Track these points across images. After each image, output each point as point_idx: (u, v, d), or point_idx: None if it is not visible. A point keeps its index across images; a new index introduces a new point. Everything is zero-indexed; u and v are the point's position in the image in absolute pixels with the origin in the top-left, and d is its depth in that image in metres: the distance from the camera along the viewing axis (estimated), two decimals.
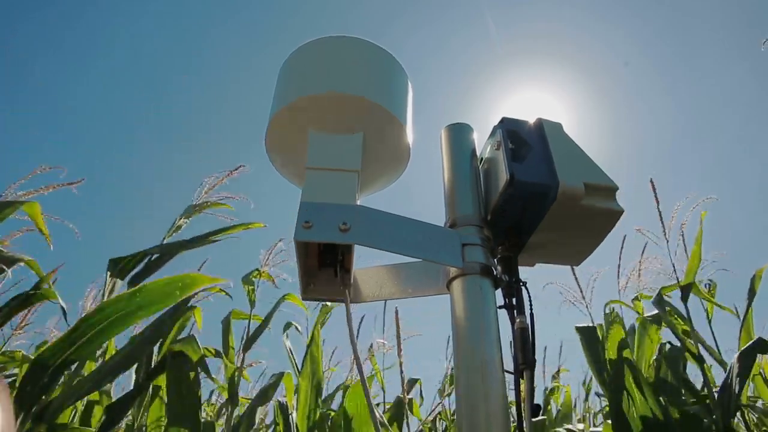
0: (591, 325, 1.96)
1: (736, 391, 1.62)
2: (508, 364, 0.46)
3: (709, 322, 2.02)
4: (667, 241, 2.03)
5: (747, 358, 1.66)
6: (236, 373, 1.83)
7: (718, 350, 1.94)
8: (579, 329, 1.94)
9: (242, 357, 1.90)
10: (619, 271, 2.15)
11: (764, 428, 1.84)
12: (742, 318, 1.96)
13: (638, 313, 2.13)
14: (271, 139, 0.52)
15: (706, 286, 2.13)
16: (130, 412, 1.82)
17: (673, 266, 2.00)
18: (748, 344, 1.72)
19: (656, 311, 2.01)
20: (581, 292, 2.09)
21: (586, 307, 2.08)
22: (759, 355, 2.05)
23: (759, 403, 2.01)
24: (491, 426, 0.40)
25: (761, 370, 2.07)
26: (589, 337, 1.89)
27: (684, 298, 1.95)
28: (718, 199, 2.03)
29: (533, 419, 0.44)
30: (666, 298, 2.05)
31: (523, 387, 0.45)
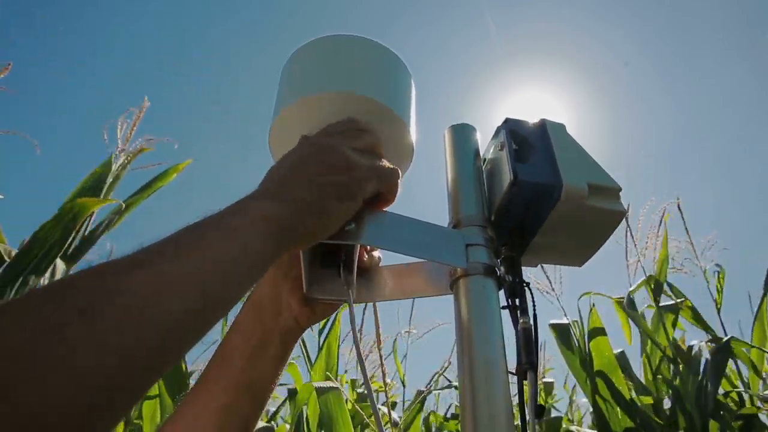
0: (565, 321, 1.91)
1: (710, 388, 1.59)
2: (512, 365, 0.46)
3: (719, 311, 1.96)
4: (636, 245, 2.04)
5: (720, 356, 1.62)
6: None
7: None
8: (553, 326, 1.89)
9: None
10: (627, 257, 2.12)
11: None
12: (756, 310, 1.87)
13: (617, 310, 2.09)
14: (275, 139, 0.52)
15: (714, 273, 2.06)
16: None
17: (643, 268, 2.00)
18: (724, 340, 1.69)
19: (672, 301, 1.97)
20: (550, 283, 2.05)
21: (557, 299, 2.05)
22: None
23: None
24: (495, 426, 0.40)
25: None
26: (564, 335, 1.85)
27: (656, 300, 1.92)
28: (679, 199, 2.02)
29: (537, 420, 0.44)
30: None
31: (526, 387, 0.45)
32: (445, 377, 2.26)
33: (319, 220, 0.38)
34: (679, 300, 1.96)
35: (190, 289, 0.28)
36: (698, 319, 1.94)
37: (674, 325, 1.92)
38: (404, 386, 2.14)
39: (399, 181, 0.46)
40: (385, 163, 0.46)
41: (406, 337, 2.22)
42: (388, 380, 1.71)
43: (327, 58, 0.51)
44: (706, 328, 1.93)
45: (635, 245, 2.06)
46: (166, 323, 0.27)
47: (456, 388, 2.31)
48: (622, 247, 2.11)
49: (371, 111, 0.48)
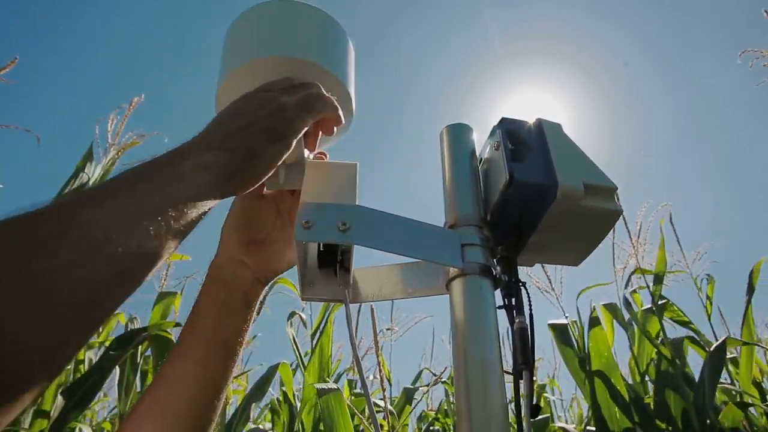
0: (564, 321, 1.91)
1: (708, 391, 1.61)
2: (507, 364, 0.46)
3: (709, 318, 2.01)
4: (634, 247, 2.04)
5: (717, 356, 1.64)
6: None
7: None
8: (552, 326, 1.89)
9: None
10: (614, 260, 2.13)
11: (754, 428, 1.83)
12: (742, 315, 1.93)
13: (638, 306, 2.09)
14: (221, 103, 0.53)
15: (704, 281, 2.10)
16: (115, 404, 1.82)
17: (643, 273, 2.00)
18: (716, 343, 1.70)
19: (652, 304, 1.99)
20: (550, 283, 2.05)
21: (557, 298, 2.05)
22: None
23: None
24: (491, 427, 0.40)
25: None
26: (563, 335, 1.85)
27: (654, 302, 1.94)
28: (671, 204, 2.04)
29: (532, 419, 0.44)
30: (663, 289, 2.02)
31: (522, 387, 0.45)
32: (432, 372, 2.26)
33: (254, 164, 0.42)
34: (663, 301, 1.98)
35: (141, 228, 0.31)
36: (682, 321, 1.95)
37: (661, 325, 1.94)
38: (390, 384, 2.14)
39: (333, 101, 0.48)
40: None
41: (387, 335, 2.23)
42: (377, 378, 1.71)
43: (266, 24, 0.52)
44: (694, 328, 1.95)
45: (633, 246, 2.07)
46: (118, 259, 0.29)
47: (443, 383, 2.32)
48: (620, 250, 2.11)
49: (309, 72, 0.50)
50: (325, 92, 0.48)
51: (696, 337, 1.95)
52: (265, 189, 0.55)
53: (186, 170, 0.36)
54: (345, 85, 0.53)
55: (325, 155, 0.56)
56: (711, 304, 2.02)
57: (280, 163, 0.44)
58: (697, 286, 2.05)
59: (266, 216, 0.55)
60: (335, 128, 0.52)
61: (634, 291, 2.12)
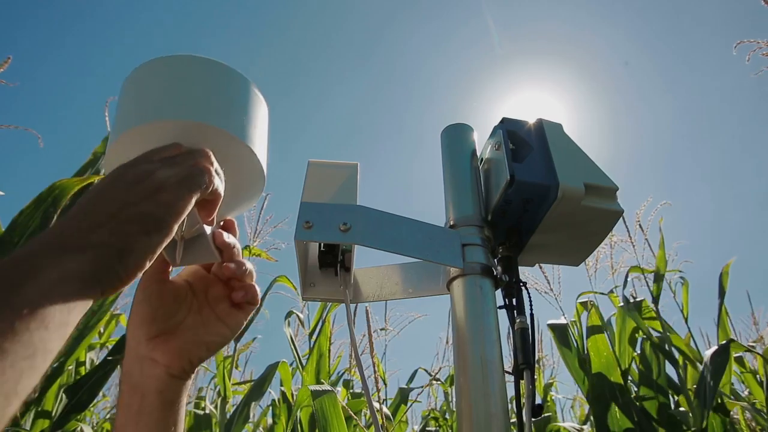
0: (563, 321, 1.92)
1: (710, 391, 1.61)
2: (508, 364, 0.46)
3: (686, 320, 2.01)
4: (633, 245, 2.04)
5: (720, 357, 1.65)
6: (224, 364, 1.79)
7: (697, 348, 1.94)
8: (551, 327, 1.89)
9: (234, 346, 1.88)
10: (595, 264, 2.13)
11: (759, 427, 1.83)
12: (716, 318, 1.94)
13: (615, 305, 2.09)
14: (110, 167, 0.44)
15: (678, 284, 2.11)
16: (115, 404, 1.82)
17: (642, 271, 2.01)
18: (720, 344, 1.71)
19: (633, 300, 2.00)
20: (548, 283, 2.05)
21: (555, 299, 2.04)
22: (751, 355, 2.04)
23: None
24: (491, 426, 0.41)
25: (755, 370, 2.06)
26: (562, 335, 1.85)
27: (655, 301, 1.94)
28: (671, 204, 2.05)
29: (534, 419, 0.44)
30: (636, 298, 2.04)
31: (523, 387, 0.45)
32: (428, 372, 2.26)
33: (127, 262, 0.34)
34: (641, 299, 1.98)
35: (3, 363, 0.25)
36: (658, 317, 1.96)
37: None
38: (385, 384, 2.14)
39: (215, 178, 0.40)
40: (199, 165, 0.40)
41: (382, 335, 2.23)
42: (371, 377, 1.71)
43: (156, 82, 0.45)
44: (658, 327, 1.96)
45: (633, 245, 2.07)
46: None
47: (441, 383, 2.32)
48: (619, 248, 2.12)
49: (202, 135, 0.43)
50: (212, 162, 0.40)
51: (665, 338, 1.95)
52: (169, 270, 0.46)
53: (48, 282, 0.29)
54: (249, 145, 0.44)
55: (234, 222, 0.48)
56: (687, 305, 2.03)
57: (159, 251, 0.36)
58: (671, 290, 2.06)
59: (175, 300, 0.46)
60: (248, 195, 0.46)
61: (611, 291, 2.13)
